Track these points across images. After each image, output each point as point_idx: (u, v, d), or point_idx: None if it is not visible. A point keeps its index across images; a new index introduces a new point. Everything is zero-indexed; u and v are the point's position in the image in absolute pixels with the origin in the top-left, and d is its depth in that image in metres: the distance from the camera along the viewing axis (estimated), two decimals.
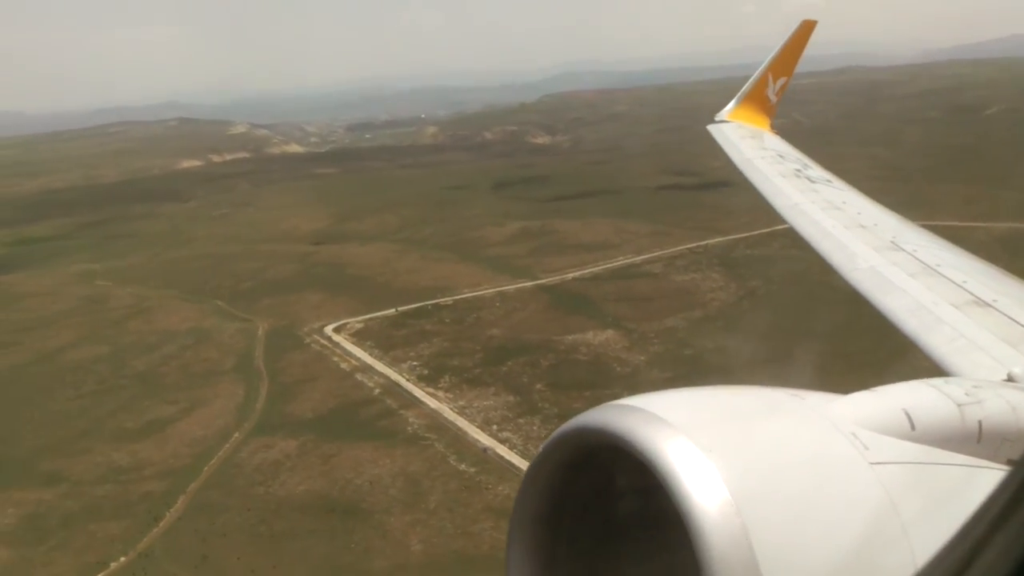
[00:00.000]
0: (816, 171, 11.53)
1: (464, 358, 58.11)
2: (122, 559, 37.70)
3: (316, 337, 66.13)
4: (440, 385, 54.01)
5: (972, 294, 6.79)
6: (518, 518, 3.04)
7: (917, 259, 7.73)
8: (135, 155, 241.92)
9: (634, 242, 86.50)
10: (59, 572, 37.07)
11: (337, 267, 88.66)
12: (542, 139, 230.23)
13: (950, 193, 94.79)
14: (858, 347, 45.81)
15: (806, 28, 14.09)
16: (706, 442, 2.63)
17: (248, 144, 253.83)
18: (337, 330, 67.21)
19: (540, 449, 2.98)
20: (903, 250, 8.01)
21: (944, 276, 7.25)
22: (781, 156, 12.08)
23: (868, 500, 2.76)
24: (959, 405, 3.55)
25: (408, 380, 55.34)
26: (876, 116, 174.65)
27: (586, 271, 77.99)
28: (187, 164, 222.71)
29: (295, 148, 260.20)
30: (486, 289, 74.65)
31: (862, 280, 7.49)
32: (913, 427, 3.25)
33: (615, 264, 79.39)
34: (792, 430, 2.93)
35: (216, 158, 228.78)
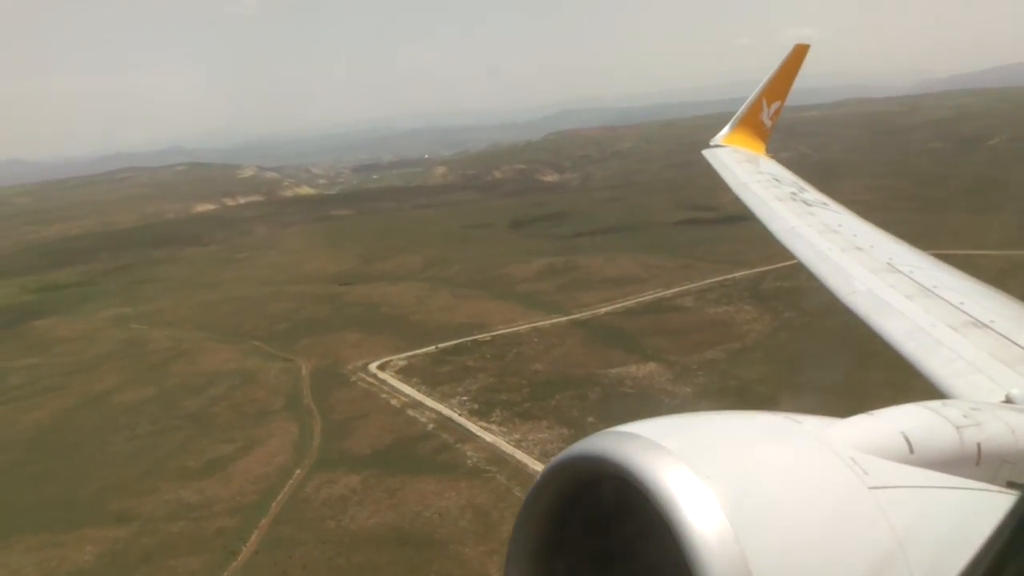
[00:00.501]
0: (812, 194, 11.64)
1: (512, 393, 59.43)
2: None
3: (361, 375, 67.47)
4: (492, 419, 55.25)
5: (969, 315, 6.74)
6: (515, 548, 3.07)
7: (914, 280, 7.73)
8: (148, 200, 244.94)
9: (661, 276, 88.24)
10: None
11: (370, 307, 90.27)
12: (551, 177, 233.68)
13: (966, 222, 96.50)
14: (907, 373, 47.07)
15: (799, 52, 14.17)
16: (704, 469, 2.65)
17: (260, 187, 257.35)
18: (381, 367, 68.60)
19: (538, 478, 3.02)
20: (900, 272, 8.01)
21: (941, 297, 7.22)
22: (777, 180, 12.15)
23: (868, 525, 2.75)
24: (957, 428, 3.54)
25: (460, 415, 56.59)
26: (882, 147, 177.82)
27: (617, 305, 79.60)
28: (201, 208, 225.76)
29: (306, 190, 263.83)
30: (521, 325, 76.18)
31: (859, 303, 7.51)
32: (912, 450, 3.25)
33: (645, 298, 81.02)
34: (790, 455, 2.94)
35: (229, 202, 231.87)
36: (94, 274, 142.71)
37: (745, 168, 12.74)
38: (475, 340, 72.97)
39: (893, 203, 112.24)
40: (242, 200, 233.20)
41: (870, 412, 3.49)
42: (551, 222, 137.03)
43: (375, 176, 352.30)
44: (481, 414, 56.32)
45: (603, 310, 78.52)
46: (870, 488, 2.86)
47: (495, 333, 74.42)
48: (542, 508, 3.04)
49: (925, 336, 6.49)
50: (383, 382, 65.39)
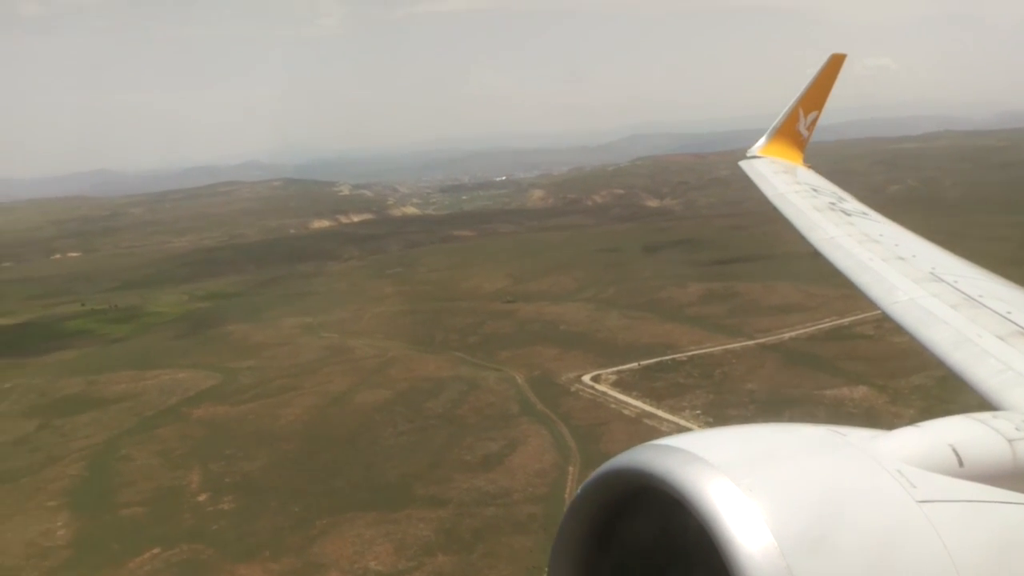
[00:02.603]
0: (851, 204, 11.51)
1: (739, 408, 65.27)
2: None
3: (578, 386, 74.12)
4: None
5: (1018, 325, 6.58)
6: (557, 560, 3.20)
7: (958, 290, 7.54)
8: (264, 215, 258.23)
9: (829, 305, 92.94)
10: (506, 574, 45.01)
11: (549, 324, 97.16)
12: (653, 202, 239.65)
13: None
14: None
15: (836, 61, 14.16)
16: (748, 482, 2.67)
17: (369, 206, 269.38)
18: (594, 380, 75.21)
19: (578, 491, 3.13)
20: (943, 281, 7.85)
21: (987, 307, 7.05)
22: (815, 190, 12.02)
23: (917, 540, 2.72)
24: (1010, 440, 3.45)
25: (699, 427, 62.68)
26: (998, 182, 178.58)
27: (799, 332, 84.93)
28: (318, 224, 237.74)
29: (411, 210, 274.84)
30: (710, 347, 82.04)
31: (902, 313, 7.48)
32: (961, 464, 3.19)
33: (824, 326, 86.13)
34: (835, 468, 2.93)
35: (343, 219, 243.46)
36: (248, 285, 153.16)
37: (782, 179, 12.63)
38: (674, 359, 79.12)
39: None
40: (355, 218, 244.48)
41: (917, 424, 3.47)
42: (682, 248, 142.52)
43: (464, 197, 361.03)
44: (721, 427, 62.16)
45: (787, 335, 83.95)
46: (918, 502, 2.85)
47: (689, 353, 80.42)
48: (584, 520, 3.14)
49: (972, 346, 6.37)
50: (604, 393, 71.91)
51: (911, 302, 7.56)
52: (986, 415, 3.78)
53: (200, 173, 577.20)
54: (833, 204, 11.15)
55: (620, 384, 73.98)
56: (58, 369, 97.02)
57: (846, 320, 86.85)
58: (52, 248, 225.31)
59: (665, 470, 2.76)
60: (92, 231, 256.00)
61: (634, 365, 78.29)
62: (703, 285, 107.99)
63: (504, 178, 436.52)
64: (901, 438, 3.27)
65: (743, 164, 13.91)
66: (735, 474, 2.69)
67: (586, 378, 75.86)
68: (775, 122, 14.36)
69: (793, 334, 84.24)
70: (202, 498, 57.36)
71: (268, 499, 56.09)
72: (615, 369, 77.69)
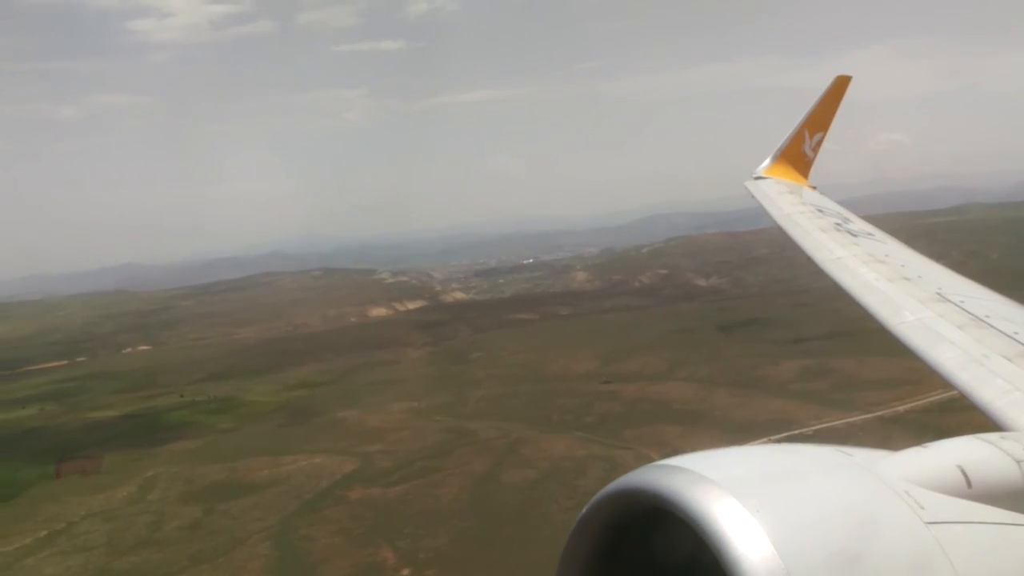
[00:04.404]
0: (857, 224, 11.51)
1: None
2: None
3: None
4: None
5: None
6: None
7: (965, 310, 7.55)
8: (317, 304, 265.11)
9: (930, 378, 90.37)
10: None
11: (659, 403, 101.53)
12: (701, 281, 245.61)
13: None
14: None
15: (841, 83, 14.31)
16: (754, 502, 2.70)
17: (421, 293, 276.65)
18: None
19: (583, 510, 3.15)
20: (950, 301, 7.83)
21: (994, 327, 7.08)
22: (820, 210, 12.08)
23: (925, 561, 2.74)
24: (1018, 461, 3.48)
25: None
26: None
27: (911, 404, 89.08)
28: (376, 312, 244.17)
29: (462, 295, 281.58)
30: (831, 421, 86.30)
31: (908, 334, 7.48)
32: (969, 484, 3.22)
33: (934, 399, 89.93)
34: (842, 488, 2.96)
35: (399, 306, 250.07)
36: (334, 373, 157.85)
37: (788, 199, 12.70)
38: (801, 433, 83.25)
39: None
40: (410, 305, 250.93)
41: (924, 445, 3.53)
42: (755, 327, 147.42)
43: (501, 280, 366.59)
44: None
45: (900, 408, 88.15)
46: (927, 523, 2.87)
47: (814, 428, 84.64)
48: (588, 540, 3.17)
49: (979, 367, 6.46)
50: None
51: (918, 322, 7.61)
52: (994, 436, 3.82)
53: (227, 264, 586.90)
54: (839, 224, 11.25)
55: None
56: (190, 458, 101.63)
57: (955, 392, 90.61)
58: (120, 342, 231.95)
59: (672, 490, 2.82)
60: (152, 324, 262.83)
61: (764, 441, 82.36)
62: (796, 362, 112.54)
63: (531, 261, 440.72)
64: (908, 459, 3.35)
65: (749, 185, 13.92)
66: (742, 494, 2.75)
67: None
68: (780, 144, 14.35)
69: (905, 407, 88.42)
70: (405, 572, 61.30)
71: (471, 571, 59.97)
72: (749, 447, 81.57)
